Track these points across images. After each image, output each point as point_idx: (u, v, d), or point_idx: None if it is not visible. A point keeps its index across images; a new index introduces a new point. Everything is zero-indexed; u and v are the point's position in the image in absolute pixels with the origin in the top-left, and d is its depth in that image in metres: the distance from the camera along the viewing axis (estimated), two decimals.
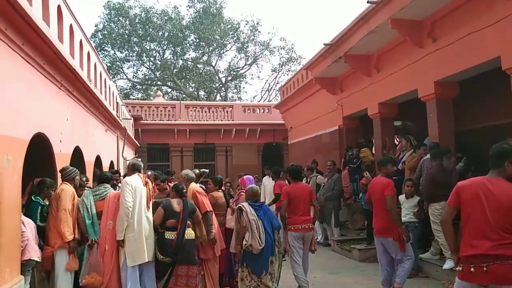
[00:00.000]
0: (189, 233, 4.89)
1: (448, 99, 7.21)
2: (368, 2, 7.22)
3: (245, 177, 6.35)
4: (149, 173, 7.20)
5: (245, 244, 4.65)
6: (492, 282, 2.66)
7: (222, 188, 6.20)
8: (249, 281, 4.68)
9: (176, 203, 4.94)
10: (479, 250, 2.72)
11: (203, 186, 6.08)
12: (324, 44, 9.47)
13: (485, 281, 2.68)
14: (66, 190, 4.70)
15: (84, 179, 6.04)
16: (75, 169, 5.07)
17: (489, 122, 8.16)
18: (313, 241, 5.60)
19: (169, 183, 6.41)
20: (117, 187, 5.96)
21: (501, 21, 5.61)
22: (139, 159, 11.80)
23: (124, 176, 5.58)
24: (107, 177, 5.35)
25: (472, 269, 2.72)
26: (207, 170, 7.61)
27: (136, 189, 4.76)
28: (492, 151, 2.91)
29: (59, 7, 5.81)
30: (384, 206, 4.81)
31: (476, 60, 6.17)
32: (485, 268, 2.65)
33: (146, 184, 4.99)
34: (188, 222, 4.92)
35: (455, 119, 7.32)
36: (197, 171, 6.97)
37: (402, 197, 6.44)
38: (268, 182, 9.00)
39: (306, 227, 5.38)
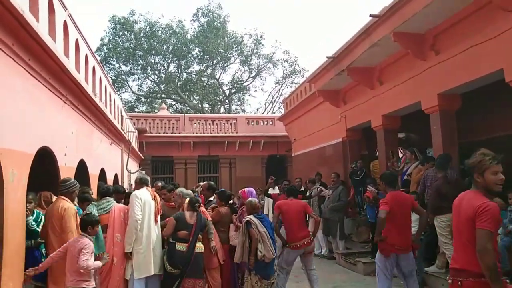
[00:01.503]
0: (199, 246, 4.98)
1: (451, 111, 7.21)
2: (370, 15, 7.28)
3: (246, 190, 6.20)
4: (160, 184, 7.20)
5: (260, 255, 4.87)
6: None
7: (230, 202, 6.13)
8: (259, 286, 4.91)
9: (189, 216, 5.02)
10: (456, 264, 2.69)
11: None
12: (327, 57, 9.52)
13: None
14: (69, 209, 4.43)
15: (91, 192, 6.01)
16: (76, 182, 4.79)
17: (492, 134, 8.14)
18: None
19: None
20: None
21: (503, 33, 5.63)
22: (143, 172, 11.81)
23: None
24: (107, 190, 5.35)
25: (450, 281, 2.70)
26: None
27: (145, 202, 4.88)
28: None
29: (65, 22, 5.90)
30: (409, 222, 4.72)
31: (479, 72, 6.18)
32: (459, 283, 2.60)
33: (154, 198, 5.08)
34: (200, 236, 4.98)
35: (458, 131, 7.31)
36: (201, 184, 7.02)
37: None
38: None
39: (304, 243, 5.46)
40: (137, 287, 4.74)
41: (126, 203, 5.31)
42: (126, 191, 6.49)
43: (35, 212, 4.74)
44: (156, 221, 5.01)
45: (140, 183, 5.21)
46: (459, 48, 6.48)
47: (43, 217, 4.65)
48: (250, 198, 5.46)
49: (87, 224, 4.11)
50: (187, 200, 5.41)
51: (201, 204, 5.71)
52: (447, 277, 2.82)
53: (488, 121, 8.28)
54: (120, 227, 4.81)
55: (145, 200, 4.89)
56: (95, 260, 4.52)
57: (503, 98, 6.12)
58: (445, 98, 7.07)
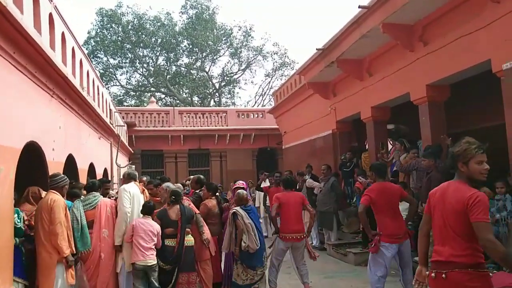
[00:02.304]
0: (189, 240, 5.01)
1: (440, 102, 7.26)
2: (359, 7, 7.28)
3: (240, 182, 6.11)
4: (144, 178, 7.22)
5: (244, 245, 4.98)
6: None
7: (217, 194, 6.16)
8: (245, 275, 5.07)
9: (172, 212, 5.01)
10: (440, 256, 2.63)
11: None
12: (316, 49, 9.52)
13: (445, 287, 2.57)
14: (58, 201, 4.41)
15: (80, 185, 5.91)
16: (65, 177, 4.74)
17: (480, 124, 8.23)
18: (310, 249, 5.70)
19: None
20: (112, 196, 5.87)
21: (491, 24, 5.68)
22: (133, 166, 11.74)
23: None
24: (93, 184, 5.27)
25: (432, 274, 2.64)
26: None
27: (134, 195, 4.95)
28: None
29: (50, 15, 5.80)
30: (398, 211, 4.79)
31: (467, 63, 6.23)
32: (443, 275, 2.55)
33: (143, 191, 5.18)
34: (188, 229, 4.97)
35: (447, 121, 7.38)
36: (191, 177, 7.01)
37: None
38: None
39: (296, 237, 5.47)
40: (129, 279, 4.80)
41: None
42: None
43: (17, 210, 4.59)
44: None
45: (128, 178, 5.26)
46: (448, 39, 6.51)
47: (23, 215, 4.55)
48: (238, 191, 5.49)
49: (152, 210, 4.92)
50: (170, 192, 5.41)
51: (187, 198, 5.69)
52: (428, 271, 2.77)
53: (477, 112, 8.37)
54: (107, 223, 4.81)
55: (134, 193, 4.96)
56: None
57: (491, 88, 6.18)
58: (433, 89, 7.12)
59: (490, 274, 2.66)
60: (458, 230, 2.55)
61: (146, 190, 5.32)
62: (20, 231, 4.38)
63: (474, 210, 2.46)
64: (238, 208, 5.23)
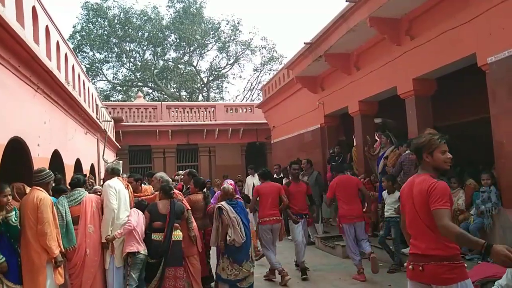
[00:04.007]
0: (177, 235, 4.99)
1: (426, 95, 7.33)
2: (346, 1, 7.29)
3: (229, 181, 6.02)
4: (124, 176, 7.12)
5: (229, 239, 5.01)
6: (429, 281, 2.59)
7: (204, 190, 6.15)
8: (230, 270, 5.07)
9: (162, 205, 5.03)
10: (417, 250, 2.66)
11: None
12: (304, 43, 9.52)
13: (423, 279, 2.62)
14: (45, 199, 4.20)
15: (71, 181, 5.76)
16: (51, 173, 4.51)
17: (466, 117, 8.34)
18: (281, 233, 6.32)
19: (148, 184, 6.37)
20: (97, 192, 5.72)
21: (477, 18, 5.74)
22: (120, 162, 11.63)
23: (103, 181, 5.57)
24: (77, 181, 5.12)
25: (410, 267, 2.69)
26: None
27: (119, 191, 4.87)
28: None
29: (34, 8, 5.69)
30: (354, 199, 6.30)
31: (453, 57, 6.29)
32: (420, 268, 2.60)
33: (127, 187, 5.09)
34: (176, 224, 4.96)
35: (434, 115, 7.45)
36: (181, 172, 7.00)
37: (385, 193, 6.68)
38: (251, 182, 8.99)
39: (273, 219, 6.13)
40: (117, 274, 4.76)
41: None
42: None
43: (14, 208, 4.49)
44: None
45: (112, 173, 5.13)
46: (434, 32, 6.57)
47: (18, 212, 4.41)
48: (224, 185, 5.55)
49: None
50: (160, 186, 5.39)
51: (181, 193, 5.69)
52: (406, 263, 2.82)
53: (463, 105, 8.47)
54: (92, 218, 4.71)
55: (119, 189, 4.87)
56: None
57: (476, 82, 6.25)
58: (420, 83, 7.18)
59: (466, 264, 2.69)
60: (428, 222, 2.58)
61: (130, 185, 5.22)
62: (16, 229, 4.13)
63: (432, 198, 2.51)
64: (223, 202, 5.25)
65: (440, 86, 7.33)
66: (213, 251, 5.97)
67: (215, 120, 18.53)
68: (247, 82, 33.97)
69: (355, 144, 9.85)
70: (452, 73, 6.94)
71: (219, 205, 5.24)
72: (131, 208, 5.00)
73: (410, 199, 2.72)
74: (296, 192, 6.51)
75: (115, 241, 4.75)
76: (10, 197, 4.27)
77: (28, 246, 4.12)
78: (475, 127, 7.49)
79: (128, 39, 28.62)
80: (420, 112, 7.23)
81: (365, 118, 9.20)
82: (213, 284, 5.67)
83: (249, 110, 19.35)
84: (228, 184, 5.82)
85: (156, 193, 5.80)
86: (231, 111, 19.18)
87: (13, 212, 4.15)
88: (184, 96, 30.71)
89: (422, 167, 2.75)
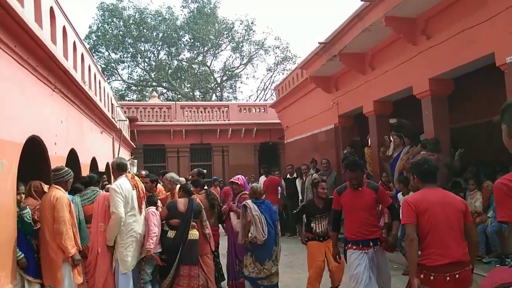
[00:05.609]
0: (193, 234, 5.02)
1: (443, 95, 7.23)
2: (362, 0, 7.22)
3: (240, 177, 6.10)
4: (143, 172, 7.17)
5: (251, 236, 5.05)
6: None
7: (205, 187, 6.10)
8: (252, 267, 5.10)
9: (181, 204, 5.07)
10: (452, 259, 2.73)
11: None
12: (318, 43, 9.47)
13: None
14: (61, 198, 4.25)
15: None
16: (70, 171, 4.56)
17: (484, 118, 8.17)
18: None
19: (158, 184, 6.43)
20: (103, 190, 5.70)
21: (495, 17, 5.63)
22: (135, 161, 11.70)
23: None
24: (91, 179, 5.19)
25: (447, 278, 2.71)
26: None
27: (126, 196, 4.61)
28: (424, 168, 3.16)
29: (51, 8, 5.77)
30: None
31: (470, 56, 6.18)
32: (457, 275, 2.69)
33: (135, 186, 4.81)
34: (193, 223, 5.01)
35: (451, 115, 7.34)
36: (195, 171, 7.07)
37: (399, 195, 6.71)
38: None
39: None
40: (122, 280, 4.58)
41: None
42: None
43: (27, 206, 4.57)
44: (140, 210, 4.82)
45: (118, 169, 4.81)
46: (451, 32, 6.46)
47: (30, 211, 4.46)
48: (253, 184, 5.69)
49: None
50: (177, 186, 5.41)
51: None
52: (432, 275, 2.77)
53: (480, 106, 8.31)
54: (104, 216, 4.64)
55: (126, 194, 4.59)
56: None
57: (495, 82, 6.13)
58: (436, 83, 7.08)
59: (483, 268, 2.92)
60: (461, 230, 2.86)
61: (139, 183, 5.01)
62: (30, 227, 4.26)
63: (468, 213, 2.97)
64: (248, 201, 5.30)
65: (458, 85, 7.22)
66: (221, 249, 6.03)
67: (229, 120, 18.57)
68: (261, 82, 34.04)
69: (369, 144, 9.76)
70: (470, 73, 6.83)
71: (244, 203, 5.31)
72: (139, 207, 4.80)
73: (439, 208, 2.88)
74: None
75: (120, 247, 4.61)
76: (23, 195, 4.39)
77: (46, 244, 4.23)
78: (494, 128, 7.34)
79: (143, 39, 28.91)
80: (436, 112, 7.13)
81: (380, 118, 9.10)
82: (221, 283, 5.70)
83: (263, 110, 19.33)
84: (234, 179, 5.95)
85: (168, 193, 5.85)
86: (245, 111, 19.19)
87: (27, 210, 4.28)
88: (198, 96, 30.87)
89: (432, 183, 3.12)
